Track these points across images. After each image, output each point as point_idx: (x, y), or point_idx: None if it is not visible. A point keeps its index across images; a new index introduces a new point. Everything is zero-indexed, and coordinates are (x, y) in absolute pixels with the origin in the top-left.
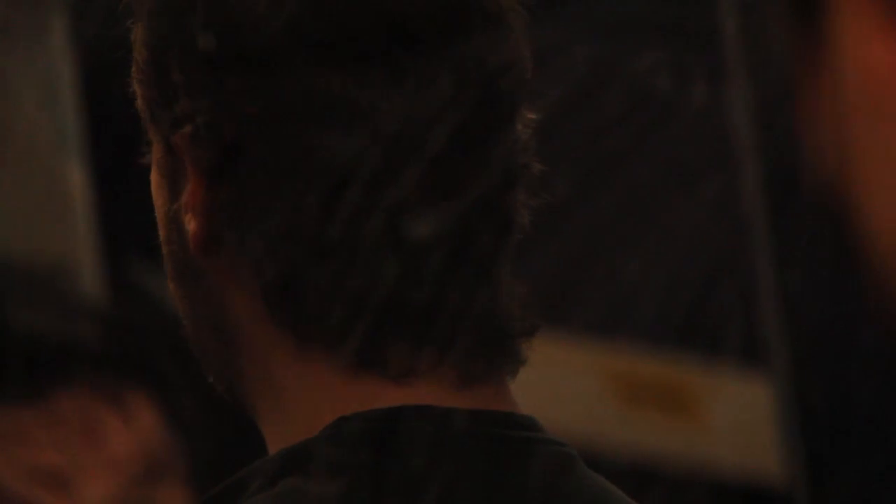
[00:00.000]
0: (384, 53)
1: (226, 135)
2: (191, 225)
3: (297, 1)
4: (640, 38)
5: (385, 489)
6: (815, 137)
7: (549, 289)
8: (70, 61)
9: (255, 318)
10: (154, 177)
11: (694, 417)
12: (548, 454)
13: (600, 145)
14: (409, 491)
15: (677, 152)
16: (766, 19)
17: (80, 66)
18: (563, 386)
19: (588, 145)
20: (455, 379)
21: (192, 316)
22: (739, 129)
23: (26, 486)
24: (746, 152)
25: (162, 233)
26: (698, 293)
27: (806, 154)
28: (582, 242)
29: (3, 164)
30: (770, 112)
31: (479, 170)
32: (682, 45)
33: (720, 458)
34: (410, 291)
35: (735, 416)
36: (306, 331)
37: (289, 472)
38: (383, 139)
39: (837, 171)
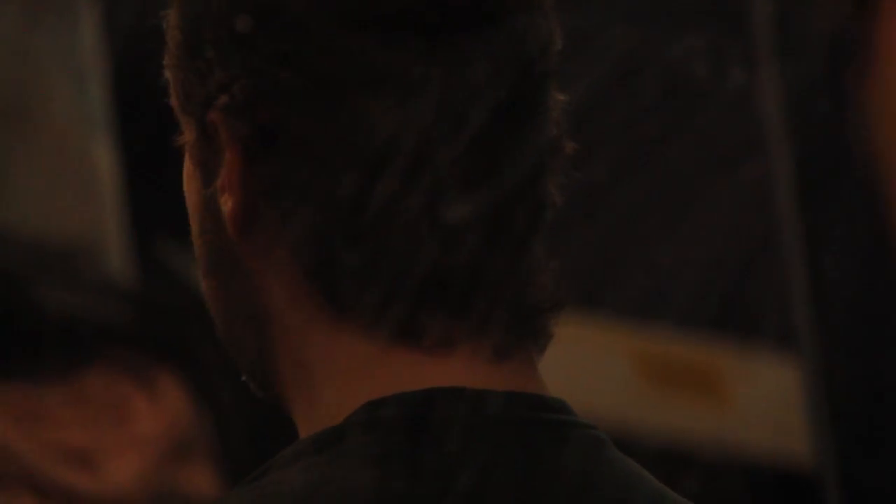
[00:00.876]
0: (423, 26)
1: (262, 104)
2: (227, 204)
3: None
4: (675, 23)
5: (419, 475)
6: (862, 118)
7: (585, 272)
8: (100, 41)
9: (291, 298)
10: (186, 167)
11: (726, 401)
12: (580, 437)
13: (636, 130)
14: (443, 476)
15: (712, 137)
16: (806, 3)
17: (111, 46)
18: (597, 368)
19: (623, 130)
20: (489, 354)
21: (225, 308)
22: (774, 114)
23: (53, 464)
24: (781, 137)
25: (195, 225)
26: (731, 277)
27: (851, 133)
28: (617, 226)
29: (33, 145)
30: (804, 97)
31: (517, 149)
32: (717, 30)
33: (752, 442)
34: (447, 266)
35: (767, 400)
36: (343, 307)
37: (319, 458)
38: (424, 113)
39: (882, 150)
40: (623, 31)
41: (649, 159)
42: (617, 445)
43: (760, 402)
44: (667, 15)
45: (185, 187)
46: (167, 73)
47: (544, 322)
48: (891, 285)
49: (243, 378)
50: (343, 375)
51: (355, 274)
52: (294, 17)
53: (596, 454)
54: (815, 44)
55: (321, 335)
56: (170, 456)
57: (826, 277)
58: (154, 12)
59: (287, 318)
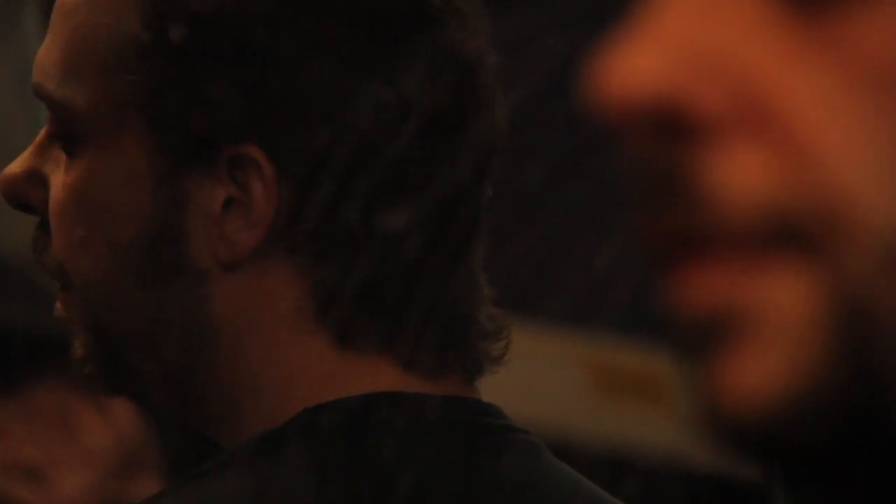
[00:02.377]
0: (361, 46)
1: (290, 153)
2: (244, 235)
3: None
4: (611, 27)
5: (358, 480)
6: None
7: (524, 278)
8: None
9: (254, 312)
10: (100, 186)
11: (668, 407)
12: (518, 442)
13: (573, 134)
14: (382, 481)
15: None
16: None
17: None
18: (538, 375)
19: (561, 134)
20: (427, 365)
21: (147, 315)
22: None
23: (2, 480)
24: None
25: (126, 241)
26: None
27: None
28: (556, 232)
29: None
30: None
31: (454, 156)
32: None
33: (695, 449)
34: (384, 273)
35: None
36: (283, 314)
37: (255, 461)
38: (361, 129)
39: None
40: (560, 36)
41: (588, 164)
42: (559, 451)
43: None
44: (604, 20)
45: (104, 209)
46: (134, 78)
47: (485, 346)
48: None
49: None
50: (282, 381)
51: (295, 280)
52: (256, 50)
53: (534, 459)
54: None
55: (262, 342)
56: (119, 469)
57: None
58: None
59: (228, 326)
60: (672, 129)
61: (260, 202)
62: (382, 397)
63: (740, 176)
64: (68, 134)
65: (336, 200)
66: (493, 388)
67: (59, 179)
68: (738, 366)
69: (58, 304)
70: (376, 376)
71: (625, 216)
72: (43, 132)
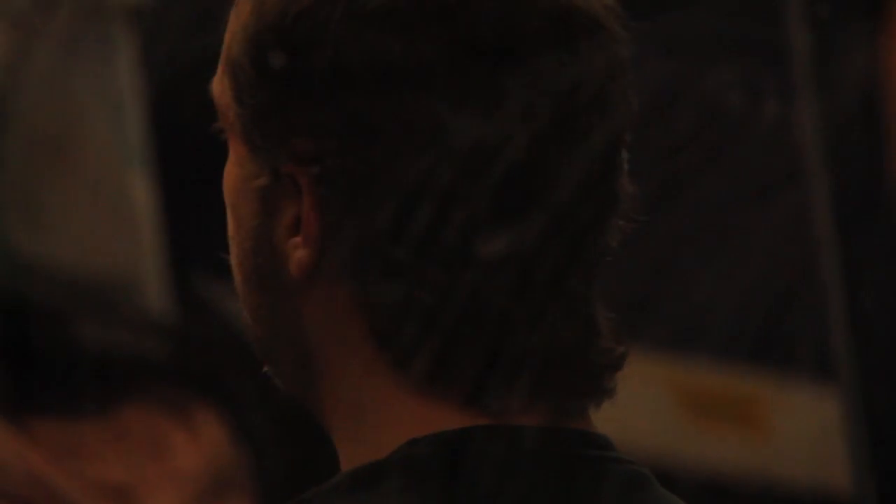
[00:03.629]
0: (459, 68)
1: (350, 175)
2: (299, 251)
3: (401, 31)
4: (711, 54)
5: None
6: None
7: (622, 304)
8: (138, 75)
9: (334, 335)
10: (238, 187)
11: (766, 433)
12: (620, 473)
13: (673, 161)
14: None
15: (749, 169)
16: (842, 35)
17: (148, 80)
18: (635, 400)
19: (661, 161)
20: (533, 407)
21: (267, 328)
22: (811, 145)
23: (93, 500)
24: (818, 168)
25: (244, 243)
26: (770, 308)
27: (888, 164)
28: (655, 257)
29: (71, 179)
30: (841, 128)
31: (558, 187)
32: (753, 61)
33: (792, 475)
34: (484, 313)
35: (806, 432)
36: (384, 350)
37: (357, 494)
38: (463, 157)
39: None
40: (659, 62)
41: (687, 191)
42: (657, 478)
43: (800, 434)
44: (703, 47)
45: (232, 209)
46: (234, 104)
47: (602, 380)
48: None
49: (280, 386)
50: (382, 413)
51: (394, 314)
52: (355, 77)
53: (637, 490)
54: (853, 75)
55: (362, 372)
56: (209, 491)
57: (865, 308)
58: (192, 47)
59: (330, 352)
60: None
61: (309, 221)
62: (480, 430)
63: None
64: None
65: (438, 231)
66: (592, 414)
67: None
68: None
69: None
70: (464, 417)
71: (723, 242)
72: None
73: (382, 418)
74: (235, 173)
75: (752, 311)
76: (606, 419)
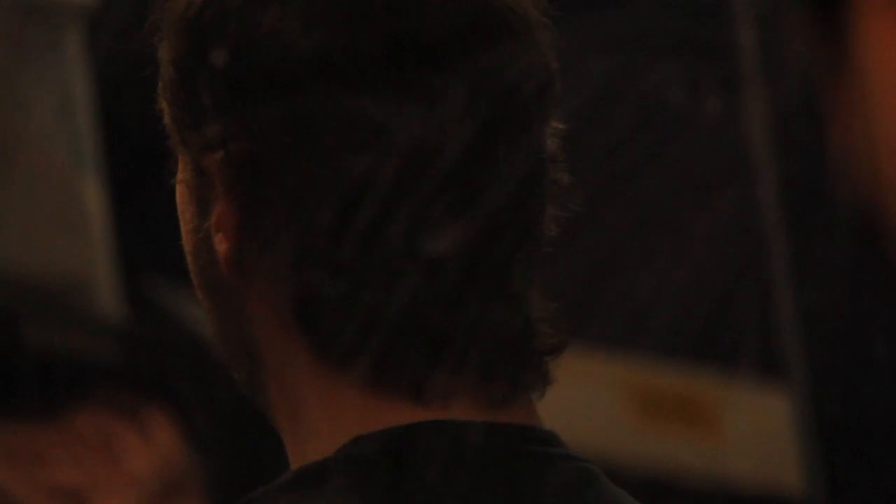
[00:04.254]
0: (402, 70)
1: (256, 160)
2: (222, 246)
3: (320, 23)
4: (654, 50)
5: None
6: (841, 143)
7: (566, 301)
8: (85, 76)
9: (278, 334)
10: (181, 191)
11: (711, 430)
12: (567, 470)
13: (615, 158)
14: None
15: (693, 165)
16: (782, 29)
17: (95, 80)
18: (580, 398)
19: (603, 158)
20: (476, 397)
21: (221, 331)
22: (755, 140)
23: None
24: (762, 164)
25: (189, 247)
26: (715, 305)
27: (831, 160)
28: (598, 255)
29: (17, 180)
30: (785, 123)
31: (497, 183)
32: (696, 57)
33: (738, 471)
34: (427, 309)
35: (753, 429)
36: (325, 348)
37: (302, 492)
38: (401, 155)
39: (865, 175)
40: (602, 58)
41: (630, 188)
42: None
43: (746, 430)
44: (646, 43)
45: (180, 208)
46: (162, 102)
47: (540, 366)
48: (876, 310)
49: (241, 388)
50: (329, 411)
51: (334, 317)
52: (285, 73)
53: (584, 486)
54: (795, 68)
55: (306, 373)
56: (161, 493)
57: (810, 304)
58: (141, 49)
59: (274, 351)
60: None
61: (224, 213)
62: (424, 426)
63: None
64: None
65: (374, 228)
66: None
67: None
68: None
69: None
70: (423, 408)
71: (667, 238)
72: None
73: (327, 416)
74: (178, 177)
75: (699, 308)
76: (554, 417)
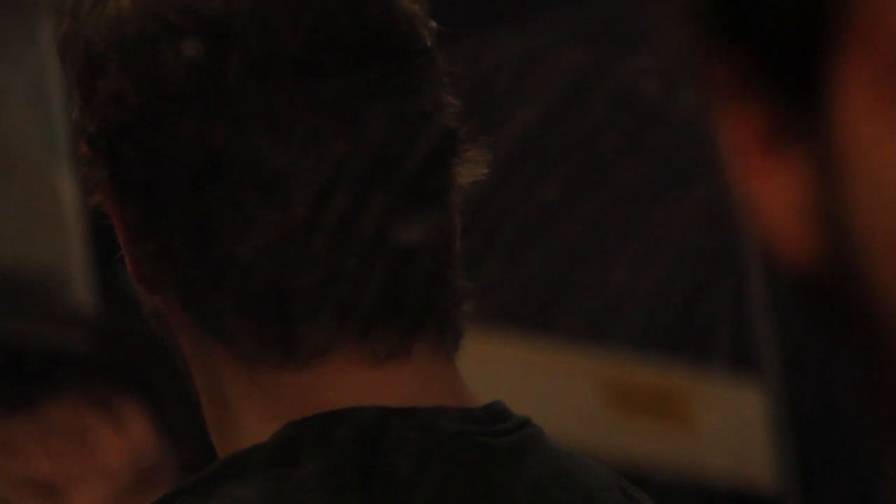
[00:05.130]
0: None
1: (113, 148)
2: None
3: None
4: (626, 42)
5: (371, 495)
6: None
7: (539, 294)
8: (58, 67)
9: (187, 335)
10: None
11: (684, 423)
12: (533, 449)
13: (588, 150)
14: (396, 495)
15: (665, 157)
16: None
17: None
18: (553, 392)
19: (576, 150)
20: (371, 356)
21: (159, 329)
22: None
23: (18, 496)
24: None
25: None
26: (688, 298)
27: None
28: (570, 248)
29: None
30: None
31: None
32: (669, 49)
33: (711, 464)
34: (298, 273)
35: (726, 422)
36: (220, 336)
37: (272, 471)
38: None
39: (833, 255)
40: (574, 51)
41: (602, 180)
42: None
43: (719, 423)
44: (618, 35)
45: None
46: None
47: (456, 326)
48: None
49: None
50: (250, 398)
51: (217, 302)
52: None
53: (547, 466)
54: None
55: (218, 365)
56: (134, 485)
57: (784, 297)
58: None
59: (192, 354)
60: None
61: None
62: (395, 412)
63: None
64: None
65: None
66: (508, 404)
67: None
68: None
69: None
70: (319, 374)
71: (639, 230)
72: None
73: (253, 405)
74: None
75: (672, 301)
76: (527, 410)
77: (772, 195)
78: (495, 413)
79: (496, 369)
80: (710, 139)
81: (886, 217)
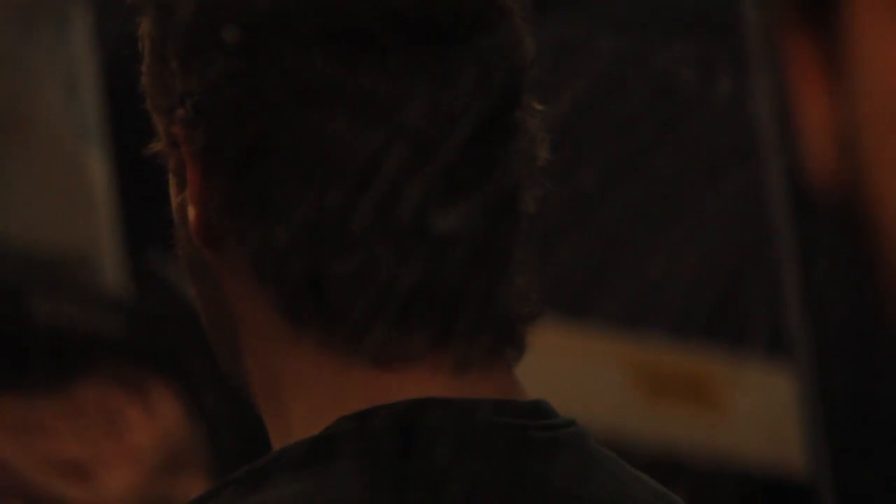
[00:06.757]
0: (380, 43)
1: (217, 119)
2: (191, 215)
3: None
4: (663, 31)
5: (409, 485)
6: (824, 143)
7: (574, 281)
8: (92, 52)
9: (254, 310)
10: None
11: (718, 409)
12: (571, 444)
13: (625, 139)
14: (433, 486)
15: (702, 145)
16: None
17: (102, 56)
18: (588, 377)
19: (613, 139)
20: (453, 365)
21: (205, 312)
22: (764, 121)
23: (47, 477)
24: (771, 145)
25: (176, 223)
26: (723, 285)
27: (815, 159)
28: (607, 235)
29: (24, 155)
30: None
31: (484, 163)
32: (706, 37)
33: (744, 450)
34: (401, 278)
35: (759, 408)
36: (300, 321)
37: (310, 468)
38: (371, 127)
39: (851, 178)
40: (611, 39)
41: (639, 168)
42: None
43: (753, 410)
44: (656, 23)
45: (171, 190)
46: (143, 79)
47: (514, 332)
48: (882, 292)
49: (226, 379)
50: (308, 387)
51: (311, 288)
52: (245, 35)
53: (587, 461)
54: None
55: (284, 346)
56: (164, 467)
57: (818, 285)
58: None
59: (252, 328)
60: None
61: (190, 177)
62: (433, 402)
63: None
64: None
65: (346, 206)
66: (541, 392)
67: None
68: None
69: None
70: (402, 379)
71: (676, 219)
72: None
73: (309, 394)
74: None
75: (707, 288)
76: (562, 396)
77: (814, 122)
78: (539, 409)
79: (532, 355)
80: (748, 126)
81: (891, 127)
